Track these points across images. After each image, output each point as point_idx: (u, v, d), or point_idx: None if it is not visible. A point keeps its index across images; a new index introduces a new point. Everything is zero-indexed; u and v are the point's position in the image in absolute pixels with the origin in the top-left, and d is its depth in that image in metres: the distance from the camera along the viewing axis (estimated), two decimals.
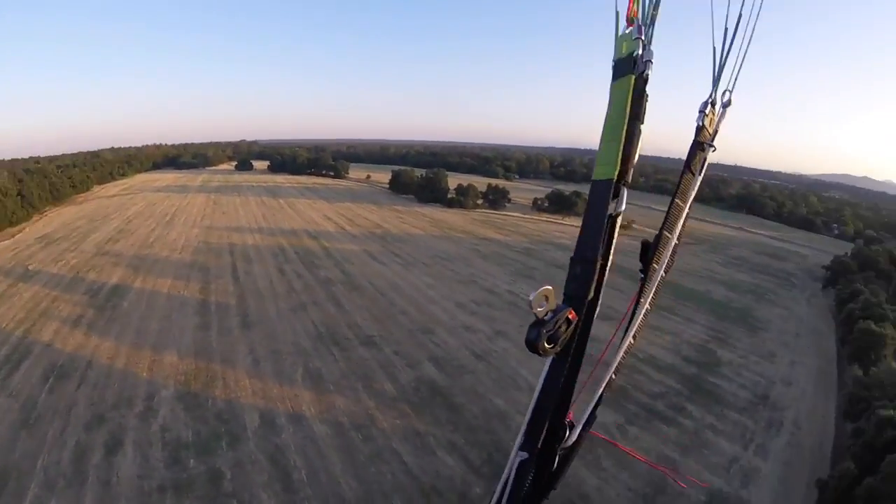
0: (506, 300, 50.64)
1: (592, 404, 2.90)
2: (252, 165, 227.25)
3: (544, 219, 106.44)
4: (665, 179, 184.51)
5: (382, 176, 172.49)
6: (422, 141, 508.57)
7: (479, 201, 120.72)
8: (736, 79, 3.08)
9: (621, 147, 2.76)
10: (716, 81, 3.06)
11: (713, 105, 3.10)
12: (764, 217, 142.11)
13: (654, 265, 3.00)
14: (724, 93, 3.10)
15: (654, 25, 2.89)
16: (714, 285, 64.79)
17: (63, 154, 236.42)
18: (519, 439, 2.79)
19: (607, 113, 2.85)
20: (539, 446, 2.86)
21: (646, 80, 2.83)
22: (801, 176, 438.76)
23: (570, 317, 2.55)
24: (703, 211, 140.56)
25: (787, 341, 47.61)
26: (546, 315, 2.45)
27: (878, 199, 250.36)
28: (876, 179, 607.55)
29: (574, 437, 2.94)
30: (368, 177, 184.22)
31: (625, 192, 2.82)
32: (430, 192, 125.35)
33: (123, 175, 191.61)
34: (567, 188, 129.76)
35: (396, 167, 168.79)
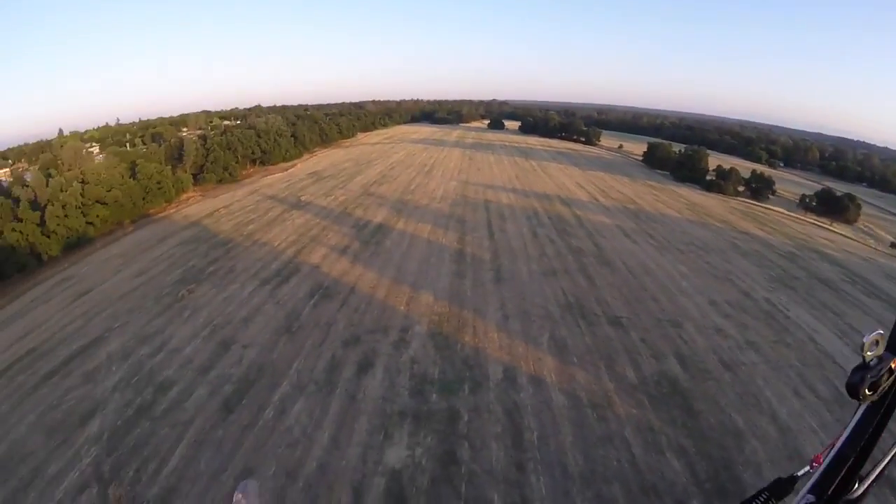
0: (762, 308, 43.22)
1: (887, 460, 2.54)
2: (503, 125, 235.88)
3: (811, 220, 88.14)
4: None
5: (634, 147, 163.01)
6: (675, 112, 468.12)
7: (741, 188, 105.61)
8: None
9: None
10: None
11: None
12: None
13: None
14: None
15: None
16: None
17: (328, 104, 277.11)
18: (811, 482, 2.50)
19: None
20: (828, 494, 2.54)
21: None
22: None
23: (893, 366, 2.30)
24: None
25: None
26: (872, 361, 2.25)
27: None
28: None
29: (861, 491, 2.56)
30: (621, 146, 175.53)
31: None
32: (688, 171, 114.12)
33: (384, 126, 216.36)
34: (838, 187, 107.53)
35: (650, 139, 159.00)
